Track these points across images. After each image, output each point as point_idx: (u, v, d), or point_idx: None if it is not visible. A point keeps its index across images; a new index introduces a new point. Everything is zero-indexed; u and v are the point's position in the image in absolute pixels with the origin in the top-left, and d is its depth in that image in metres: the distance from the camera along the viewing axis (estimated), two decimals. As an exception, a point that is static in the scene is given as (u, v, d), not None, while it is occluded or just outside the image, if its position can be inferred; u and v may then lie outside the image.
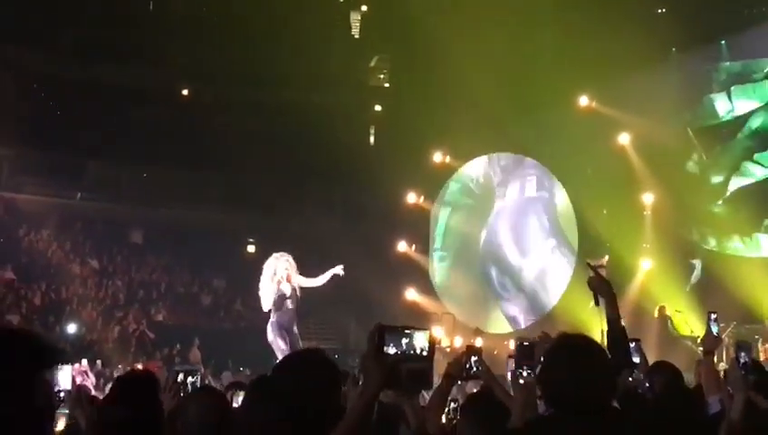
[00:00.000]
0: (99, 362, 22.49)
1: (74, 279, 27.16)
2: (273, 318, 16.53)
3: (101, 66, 29.28)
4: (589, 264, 5.04)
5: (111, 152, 28.93)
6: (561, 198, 25.31)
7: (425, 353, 3.30)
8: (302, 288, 16.93)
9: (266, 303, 16.59)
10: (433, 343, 3.35)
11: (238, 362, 23.86)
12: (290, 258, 16.89)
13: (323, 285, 17.62)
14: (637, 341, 6.16)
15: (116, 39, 29.61)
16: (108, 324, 25.75)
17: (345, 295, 25.58)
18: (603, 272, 4.91)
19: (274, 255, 16.97)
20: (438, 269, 27.32)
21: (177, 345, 25.00)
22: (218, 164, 29.40)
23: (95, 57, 29.58)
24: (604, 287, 4.77)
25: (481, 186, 26.87)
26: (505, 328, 25.22)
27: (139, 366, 19.26)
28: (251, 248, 30.00)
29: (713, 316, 6.22)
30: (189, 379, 5.45)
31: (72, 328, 24.84)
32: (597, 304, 4.81)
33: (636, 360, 5.18)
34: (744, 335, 19.56)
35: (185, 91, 30.86)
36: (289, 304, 16.56)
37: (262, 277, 16.76)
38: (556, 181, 25.32)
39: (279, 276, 16.54)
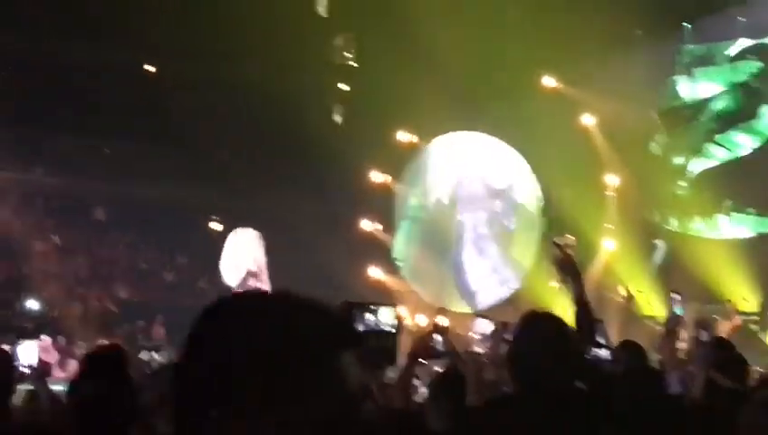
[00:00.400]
0: (61, 338, 22.36)
1: (36, 256, 26.96)
2: None
3: (64, 42, 28.94)
4: (555, 242, 5.01)
5: (74, 129, 28.66)
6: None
7: (391, 330, 3.31)
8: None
9: (229, 278, 16.32)
10: (400, 320, 3.36)
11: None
12: (257, 234, 16.59)
13: (286, 262, 17.50)
14: (599, 322, 6.19)
15: (80, 14, 29.26)
16: (70, 301, 25.59)
17: (309, 273, 25.54)
18: (571, 251, 4.90)
19: (238, 229, 16.70)
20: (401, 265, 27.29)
21: (140, 322, 24.88)
22: (182, 141, 29.19)
23: (58, 33, 29.24)
24: (570, 266, 4.77)
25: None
26: (469, 307, 25.31)
27: (104, 343, 19.15)
28: (215, 225, 29.88)
29: (676, 297, 6.26)
30: (154, 355, 5.44)
31: (33, 305, 24.67)
32: (561, 281, 4.80)
33: (600, 340, 5.21)
34: (705, 315, 19.83)
35: (149, 68, 30.61)
36: (251, 281, 16.31)
37: (224, 251, 16.48)
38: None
39: (243, 251, 16.26)
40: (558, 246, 4.87)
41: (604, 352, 5.28)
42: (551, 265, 4.91)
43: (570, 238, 4.92)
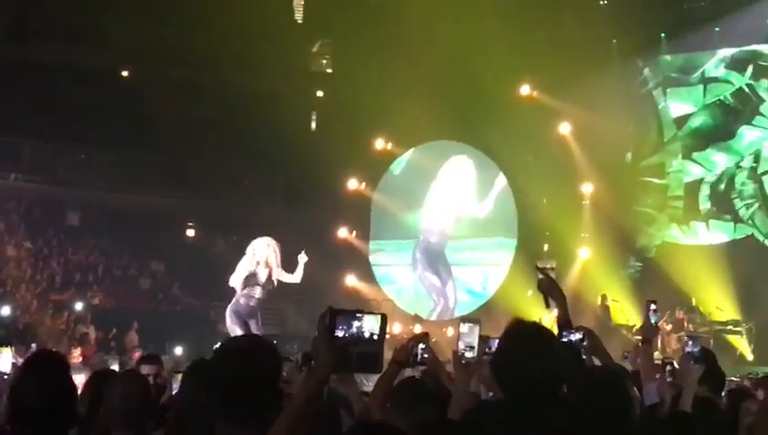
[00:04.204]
0: (34, 345, 22.12)
1: (9, 261, 26.74)
2: (232, 305, 16.01)
3: (41, 45, 28.77)
4: (537, 267, 5.07)
5: (49, 133, 28.47)
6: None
7: (375, 337, 3.30)
8: (278, 282, 16.48)
9: (234, 281, 16.03)
10: (385, 328, 3.34)
11: (175, 346, 23.62)
12: (276, 246, 16.36)
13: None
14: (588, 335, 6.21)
15: (57, 18, 29.15)
16: (43, 308, 25.35)
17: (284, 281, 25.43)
18: (552, 274, 4.97)
19: (260, 238, 16.45)
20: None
21: (114, 330, 24.64)
22: (158, 147, 29.08)
23: (35, 36, 29.10)
24: (555, 290, 4.83)
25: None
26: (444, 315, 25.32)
27: (77, 350, 19.07)
28: (190, 232, 29.76)
29: (652, 306, 6.28)
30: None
31: (5, 311, 24.40)
32: (548, 306, 4.87)
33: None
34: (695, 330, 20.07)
35: (125, 73, 30.44)
36: (257, 292, 15.98)
37: (243, 258, 16.22)
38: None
39: (258, 259, 16.01)
40: (540, 270, 4.94)
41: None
42: (537, 289, 4.99)
43: (552, 263, 5.06)
